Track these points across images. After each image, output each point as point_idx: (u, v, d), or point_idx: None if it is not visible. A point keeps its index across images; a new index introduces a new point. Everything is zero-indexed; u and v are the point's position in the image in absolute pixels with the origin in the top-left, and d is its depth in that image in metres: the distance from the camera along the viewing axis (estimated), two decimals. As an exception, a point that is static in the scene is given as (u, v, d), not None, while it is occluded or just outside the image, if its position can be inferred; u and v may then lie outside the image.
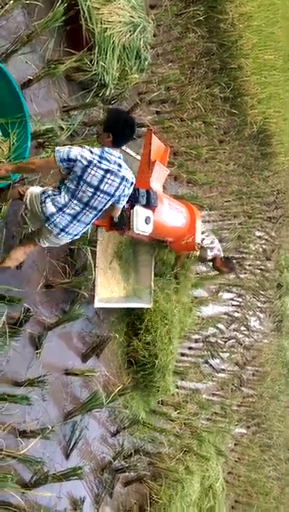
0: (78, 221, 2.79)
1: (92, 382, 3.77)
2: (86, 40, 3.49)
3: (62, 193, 2.71)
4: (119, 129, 2.69)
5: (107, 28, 3.56)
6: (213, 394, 6.59)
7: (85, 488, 3.61)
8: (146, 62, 4.13)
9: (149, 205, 3.58)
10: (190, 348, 5.99)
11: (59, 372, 3.49)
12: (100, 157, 2.64)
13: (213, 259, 4.74)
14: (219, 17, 5.68)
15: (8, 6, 2.88)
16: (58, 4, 3.09)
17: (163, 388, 4.36)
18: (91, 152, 2.64)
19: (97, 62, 3.54)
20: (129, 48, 3.86)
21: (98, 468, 3.80)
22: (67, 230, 2.79)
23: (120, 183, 2.73)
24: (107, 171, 2.66)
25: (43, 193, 2.74)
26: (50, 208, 2.70)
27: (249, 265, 8.19)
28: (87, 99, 3.71)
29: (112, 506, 3.93)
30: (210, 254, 4.72)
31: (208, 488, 5.42)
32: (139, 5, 3.96)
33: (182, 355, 5.74)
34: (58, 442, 3.38)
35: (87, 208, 2.75)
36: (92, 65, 3.52)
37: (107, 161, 2.66)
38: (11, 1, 2.87)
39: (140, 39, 3.93)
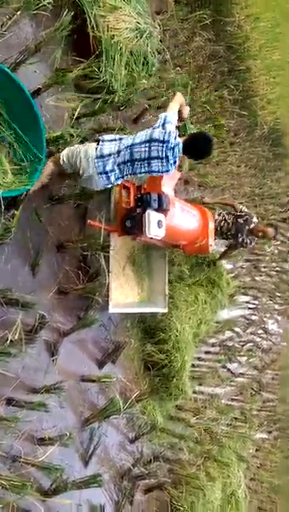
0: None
1: (109, 388, 3.75)
2: (93, 47, 3.52)
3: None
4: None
5: (114, 35, 3.58)
6: (232, 399, 6.51)
7: (104, 496, 3.58)
8: (154, 68, 4.14)
9: (161, 208, 3.56)
10: (207, 353, 5.93)
11: (75, 379, 3.49)
12: None
13: (257, 225, 4.78)
14: (226, 20, 5.69)
15: (15, 16, 2.93)
16: (65, 13, 3.13)
17: (180, 391, 4.32)
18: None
19: (105, 69, 3.57)
20: (136, 54, 3.87)
21: (118, 475, 3.77)
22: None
23: None
24: None
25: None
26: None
27: (265, 267, 8.11)
28: (97, 106, 3.74)
29: (132, 514, 3.89)
30: (255, 221, 4.77)
31: (230, 495, 5.33)
32: (145, 11, 3.98)
33: (199, 359, 5.68)
34: (76, 449, 3.36)
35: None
36: (100, 72, 3.55)
37: None
38: (19, 12, 2.91)
39: (147, 45, 3.94)
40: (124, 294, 4.08)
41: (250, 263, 7.47)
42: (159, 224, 3.54)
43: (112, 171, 3.05)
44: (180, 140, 3.06)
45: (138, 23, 3.80)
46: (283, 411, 8.22)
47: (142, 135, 3.07)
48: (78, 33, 3.48)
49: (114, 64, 3.64)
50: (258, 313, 7.78)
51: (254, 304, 7.65)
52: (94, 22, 3.45)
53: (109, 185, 3.19)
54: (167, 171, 3.10)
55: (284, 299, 8.99)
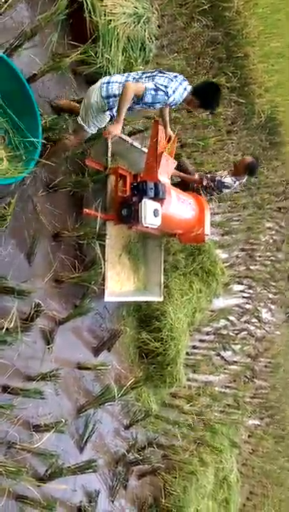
0: None
1: (104, 376, 3.78)
2: (90, 32, 3.46)
3: None
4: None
5: (111, 19, 3.52)
6: (225, 386, 6.59)
7: (99, 481, 3.63)
8: (151, 54, 4.09)
9: (158, 197, 3.55)
10: (201, 341, 5.98)
11: (71, 367, 3.51)
12: None
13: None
14: (224, 5, 5.60)
15: (11, 0, 2.86)
16: (61, -3, 3.06)
17: (174, 379, 4.36)
18: None
19: (102, 55, 3.52)
20: (133, 40, 3.82)
21: (112, 461, 3.82)
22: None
23: None
24: None
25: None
26: None
27: (259, 256, 8.14)
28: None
29: (126, 499, 3.95)
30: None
31: (222, 480, 5.43)
32: (143, -5, 3.91)
33: (194, 347, 5.73)
34: (72, 436, 3.40)
35: None
36: (97, 57, 3.50)
37: None
38: (14, -5, 2.86)
39: (144, 30, 3.88)
40: (120, 283, 4.08)
41: (245, 252, 7.50)
42: (156, 213, 3.53)
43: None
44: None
45: (136, 7, 3.74)
46: (275, 398, 8.34)
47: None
48: (75, 18, 3.42)
49: (111, 49, 3.59)
50: (252, 302, 7.83)
51: (248, 292, 7.69)
52: (91, 6, 3.39)
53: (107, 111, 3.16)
54: (166, 91, 3.16)
55: (278, 288, 9.05)
